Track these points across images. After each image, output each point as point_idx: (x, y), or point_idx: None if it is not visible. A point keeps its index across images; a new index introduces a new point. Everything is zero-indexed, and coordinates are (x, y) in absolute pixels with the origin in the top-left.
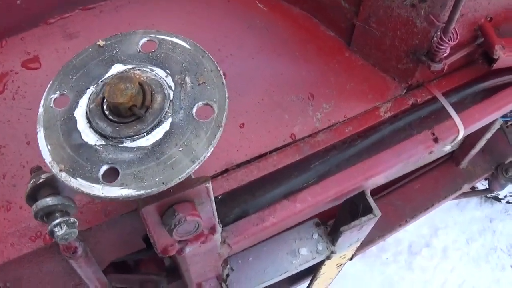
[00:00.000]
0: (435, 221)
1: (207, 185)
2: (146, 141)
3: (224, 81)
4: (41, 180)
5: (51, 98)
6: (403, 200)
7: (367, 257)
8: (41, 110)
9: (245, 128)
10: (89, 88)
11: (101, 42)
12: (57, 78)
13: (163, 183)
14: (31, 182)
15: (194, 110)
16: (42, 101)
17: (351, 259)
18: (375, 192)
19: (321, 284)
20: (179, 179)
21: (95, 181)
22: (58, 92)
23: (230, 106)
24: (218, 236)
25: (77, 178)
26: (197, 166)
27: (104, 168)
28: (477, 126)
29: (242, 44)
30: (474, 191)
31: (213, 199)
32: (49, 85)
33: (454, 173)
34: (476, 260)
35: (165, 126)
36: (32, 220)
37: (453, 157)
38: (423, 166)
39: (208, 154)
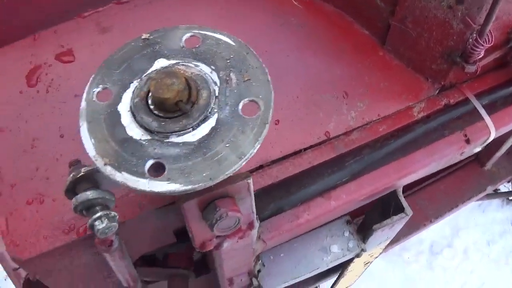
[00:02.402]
0: (457, 222)
1: (249, 181)
2: (192, 136)
3: (269, 79)
4: (81, 173)
5: (93, 91)
6: (428, 200)
7: (389, 255)
8: (83, 103)
9: (280, 125)
10: (132, 82)
11: (145, 35)
12: (100, 71)
13: (210, 178)
14: (71, 175)
15: (240, 107)
16: (84, 95)
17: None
18: None
19: (346, 281)
20: (226, 175)
21: (141, 175)
22: (101, 86)
23: None
24: (255, 232)
25: (123, 172)
26: (244, 163)
27: (150, 162)
28: (508, 128)
29: (277, 42)
30: (497, 193)
31: (253, 195)
32: (91, 79)
33: (479, 174)
34: (497, 262)
35: (211, 122)
36: (66, 213)
37: (478, 159)
38: (448, 167)
39: (255, 151)
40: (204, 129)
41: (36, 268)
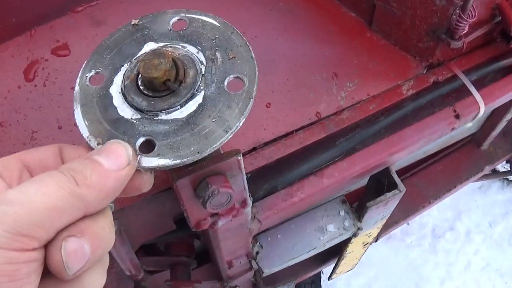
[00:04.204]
0: (458, 205)
1: (239, 157)
2: (180, 113)
3: (253, 55)
4: None
5: (86, 76)
6: (427, 182)
7: (391, 241)
8: (77, 88)
9: (271, 107)
10: (123, 65)
11: (135, 21)
12: (92, 57)
13: (198, 152)
14: None
15: (225, 83)
16: (77, 80)
17: (376, 240)
18: (399, 174)
19: (347, 264)
20: (213, 148)
21: None
22: (93, 71)
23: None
24: (249, 210)
25: None
26: (230, 136)
27: (141, 140)
28: (498, 103)
29: (266, 26)
30: (495, 173)
31: (244, 172)
32: (84, 65)
33: (476, 155)
34: (500, 243)
35: (198, 99)
36: None
37: (475, 139)
38: (445, 148)
39: (240, 124)
40: (191, 106)
41: None
